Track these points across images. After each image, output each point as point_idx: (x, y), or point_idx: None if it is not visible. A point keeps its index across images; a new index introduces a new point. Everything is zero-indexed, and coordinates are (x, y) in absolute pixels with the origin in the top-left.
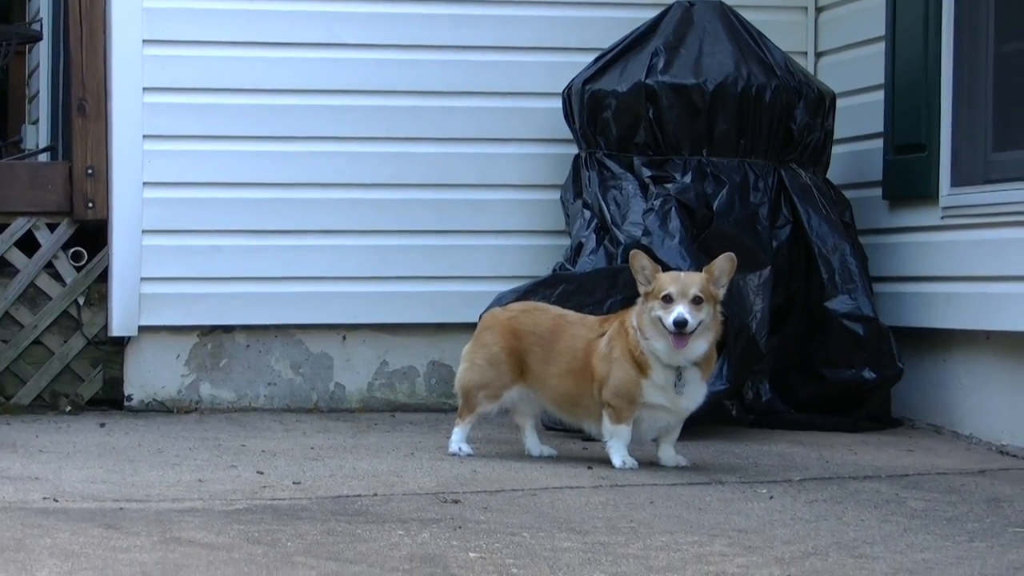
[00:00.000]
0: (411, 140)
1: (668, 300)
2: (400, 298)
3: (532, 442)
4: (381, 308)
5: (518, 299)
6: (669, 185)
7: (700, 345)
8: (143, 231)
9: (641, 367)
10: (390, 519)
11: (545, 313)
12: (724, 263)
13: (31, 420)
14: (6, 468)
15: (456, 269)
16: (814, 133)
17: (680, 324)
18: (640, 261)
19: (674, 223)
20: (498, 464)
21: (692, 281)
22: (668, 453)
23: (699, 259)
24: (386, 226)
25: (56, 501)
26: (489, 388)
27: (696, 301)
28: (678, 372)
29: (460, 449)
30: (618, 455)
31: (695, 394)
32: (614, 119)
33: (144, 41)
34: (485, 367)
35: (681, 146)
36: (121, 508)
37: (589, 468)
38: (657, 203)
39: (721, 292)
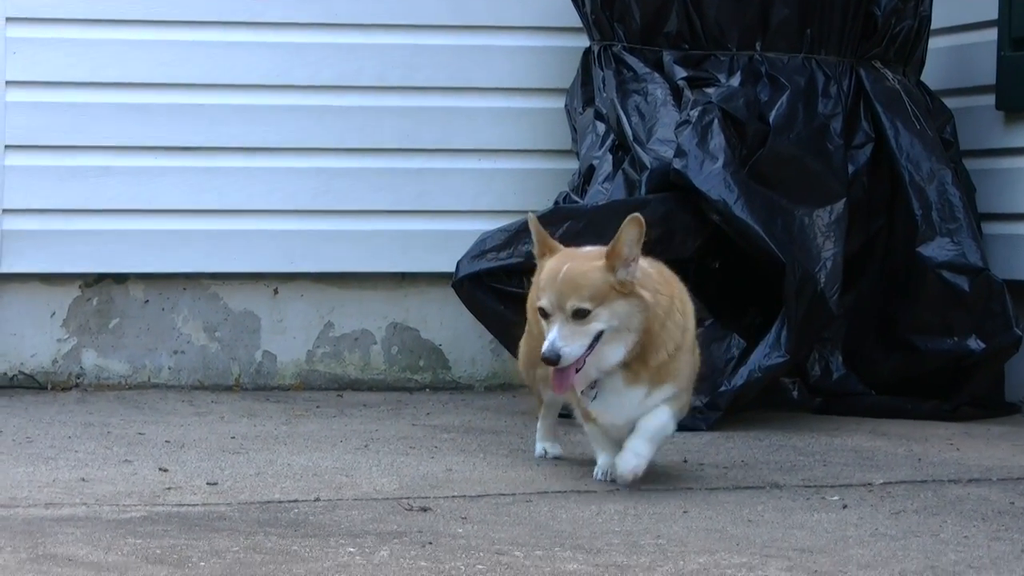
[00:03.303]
0: (362, 27)
1: (543, 314)
2: (350, 239)
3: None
4: (325, 252)
5: (508, 239)
6: (710, 90)
7: (609, 354)
8: (5, 147)
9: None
10: (337, 532)
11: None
12: (631, 232)
13: None
14: None
15: (425, 201)
16: (904, 21)
17: (550, 360)
18: (533, 231)
19: (717, 140)
20: (480, 460)
21: (573, 285)
22: (622, 457)
23: (749, 190)
24: (331, 143)
25: None
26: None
27: (579, 315)
28: (592, 382)
29: (545, 451)
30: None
31: (620, 407)
32: (637, 1)
33: None
34: (531, 330)
35: (726, 37)
36: None
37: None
38: (694, 114)
39: (633, 270)
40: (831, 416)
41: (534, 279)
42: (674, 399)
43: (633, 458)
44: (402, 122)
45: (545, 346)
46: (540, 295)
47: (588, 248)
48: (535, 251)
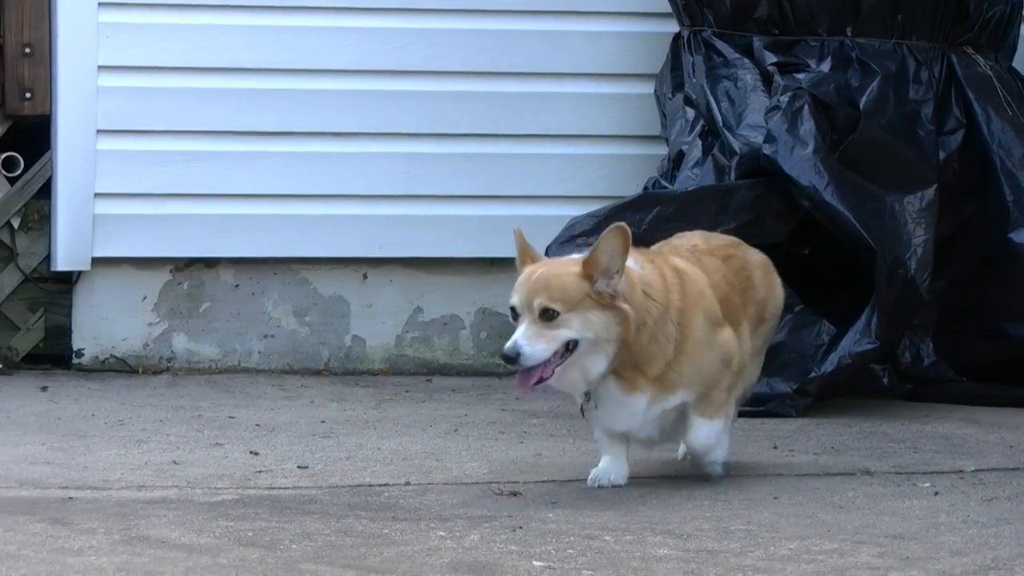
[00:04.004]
0: (449, 12)
1: (513, 315)
2: (439, 224)
3: None
4: (413, 237)
5: (597, 225)
6: (800, 75)
7: (591, 366)
8: (98, 131)
9: None
10: (427, 516)
11: None
12: (612, 242)
13: None
14: None
15: (513, 186)
16: (996, 6)
17: (508, 359)
18: (516, 242)
19: (807, 126)
20: (570, 445)
21: (543, 285)
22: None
23: (839, 176)
24: (419, 127)
25: None
26: None
27: (547, 315)
28: (585, 393)
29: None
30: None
31: (625, 416)
32: None
33: None
34: None
35: (817, 22)
36: (70, 497)
37: None
38: (784, 99)
39: (615, 282)
40: (921, 403)
41: None
42: (702, 403)
43: (711, 467)
44: (489, 107)
45: (507, 343)
46: (512, 295)
47: (574, 256)
48: (517, 262)
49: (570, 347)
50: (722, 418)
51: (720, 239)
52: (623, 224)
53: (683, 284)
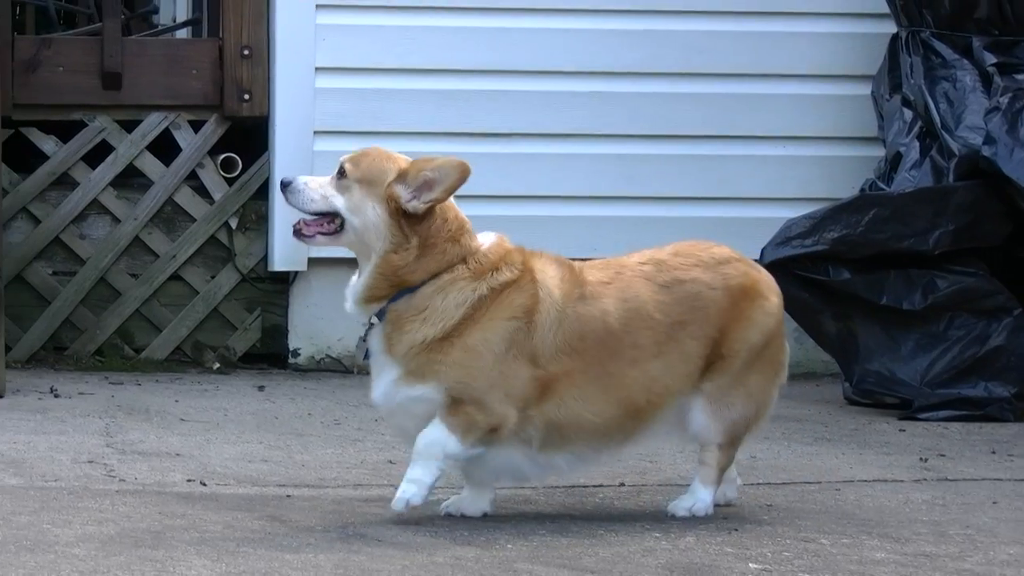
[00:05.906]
0: (665, 14)
1: None
2: (650, 225)
3: None
4: (625, 237)
5: (813, 226)
6: (1021, 76)
7: (362, 262)
8: (315, 132)
9: None
10: (642, 517)
11: None
12: (445, 167)
13: (168, 380)
14: (138, 441)
15: (726, 187)
16: None
17: (282, 182)
18: None
19: None
20: (784, 448)
21: (364, 153)
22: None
23: None
24: (632, 129)
25: (203, 484)
26: None
27: (340, 174)
28: (368, 328)
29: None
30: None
31: (379, 382)
32: None
33: None
34: None
35: None
36: (288, 495)
37: (923, 460)
38: (1004, 100)
39: (417, 204)
40: None
41: None
42: (451, 406)
43: (403, 485)
44: (704, 108)
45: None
46: None
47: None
48: None
49: (338, 227)
50: (457, 438)
51: (684, 258)
52: (467, 164)
53: (519, 284)
